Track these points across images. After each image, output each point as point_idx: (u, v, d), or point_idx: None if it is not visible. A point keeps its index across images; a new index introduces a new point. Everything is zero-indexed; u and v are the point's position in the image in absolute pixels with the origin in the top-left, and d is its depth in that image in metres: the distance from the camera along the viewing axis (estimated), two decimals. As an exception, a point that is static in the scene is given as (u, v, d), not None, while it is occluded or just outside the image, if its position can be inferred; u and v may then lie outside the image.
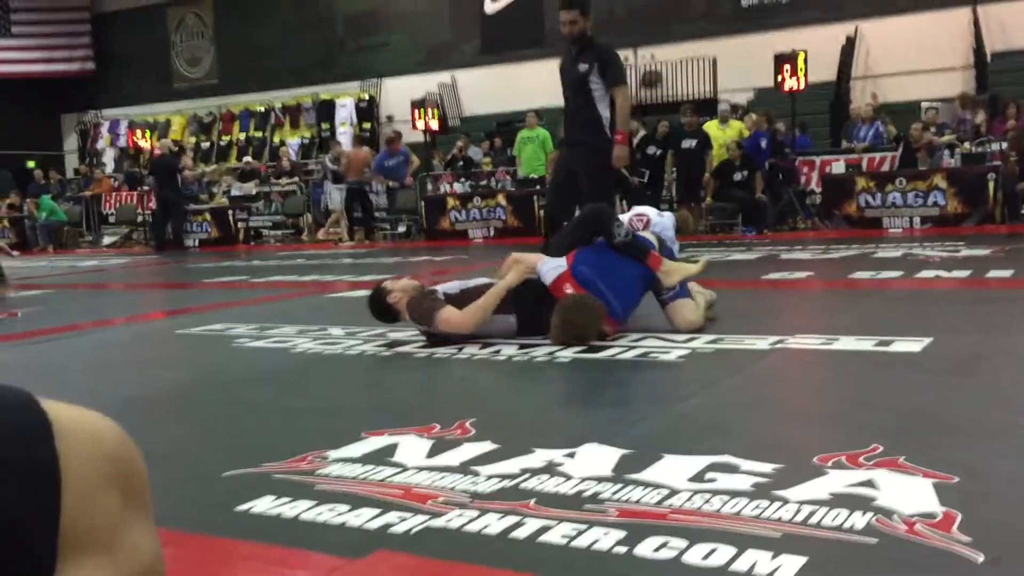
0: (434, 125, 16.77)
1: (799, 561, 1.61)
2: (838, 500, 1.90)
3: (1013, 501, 1.88)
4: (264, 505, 2.07)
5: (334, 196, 14.38)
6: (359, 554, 1.76)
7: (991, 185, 10.43)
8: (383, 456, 2.40)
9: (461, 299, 4.09)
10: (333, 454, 2.44)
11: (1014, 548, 1.64)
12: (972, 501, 1.85)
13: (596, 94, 5.66)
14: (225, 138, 22.78)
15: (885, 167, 12.01)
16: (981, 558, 1.59)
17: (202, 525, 1.98)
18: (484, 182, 14.93)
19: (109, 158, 23.91)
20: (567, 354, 3.76)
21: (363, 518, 1.94)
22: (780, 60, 12.62)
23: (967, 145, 11.94)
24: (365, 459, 2.38)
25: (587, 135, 5.68)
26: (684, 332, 4.03)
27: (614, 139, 5.72)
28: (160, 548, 0.65)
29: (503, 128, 17.31)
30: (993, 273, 5.96)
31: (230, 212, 15.52)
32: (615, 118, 5.72)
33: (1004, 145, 11.26)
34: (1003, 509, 1.83)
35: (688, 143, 11.88)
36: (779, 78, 12.60)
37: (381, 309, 4.25)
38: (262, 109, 22.57)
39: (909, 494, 1.91)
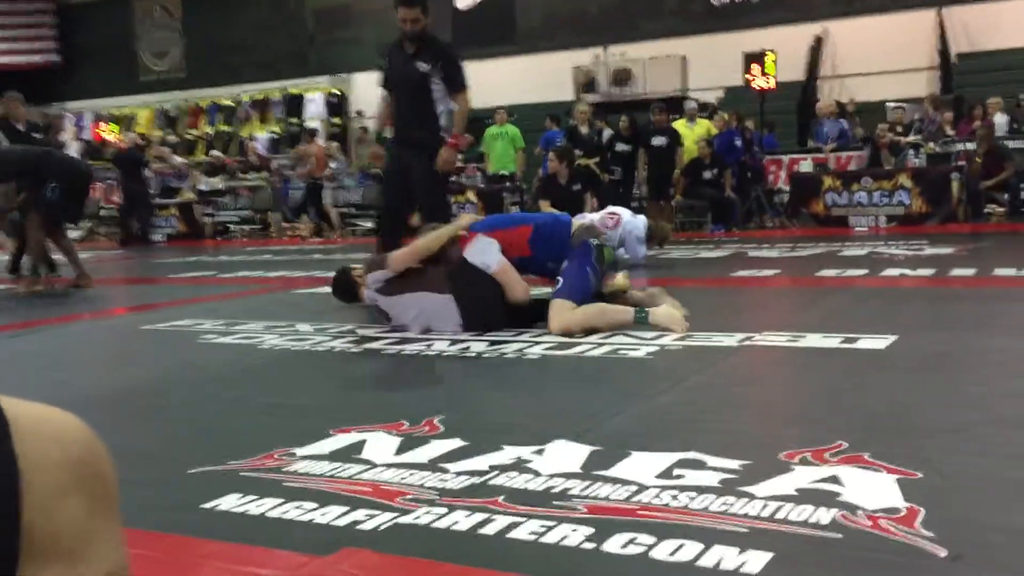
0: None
1: (765, 556, 1.62)
2: (804, 496, 1.91)
3: (975, 498, 1.91)
4: (230, 503, 2.05)
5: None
6: (326, 552, 1.75)
7: (955, 185, 10.58)
8: (351, 453, 2.39)
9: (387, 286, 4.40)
10: (300, 451, 2.42)
11: (975, 544, 1.67)
12: (935, 497, 1.88)
13: (436, 95, 5.46)
14: (192, 132, 22.56)
15: (852, 166, 12.13)
16: (943, 553, 1.61)
17: (167, 524, 1.96)
18: (454, 178, 14.89)
19: (74, 151, 23.57)
20: (537, 351, 3.77)
21: (330, 515, 1.93)
22: (750, 59, 12.71)
23: (932, 145, 12.10)
24: (333, 456, 2.37)
25: (425, 136, 5.47)
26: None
27: (446, 141, 5.57)
28: (126, 558, 0.62)
29: (473, 124, 17.28)
30: (956, 271, 6.05)
31: (197, 207, 15.37)
32: (452, 121, 5.59)
33: (968, 145, 11.42)
34: (965, 505, 1.86)
35: (658, 141, 11.92)
36: (748, 77, 12.70)
37: (345, 286, 4.64)
38: (230, 103, 22.37)
39: (873, 490, 1.93)
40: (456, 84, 5.50)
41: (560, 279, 4.16)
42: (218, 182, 16.53)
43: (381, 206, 5.79)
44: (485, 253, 4.20)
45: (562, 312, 4.05)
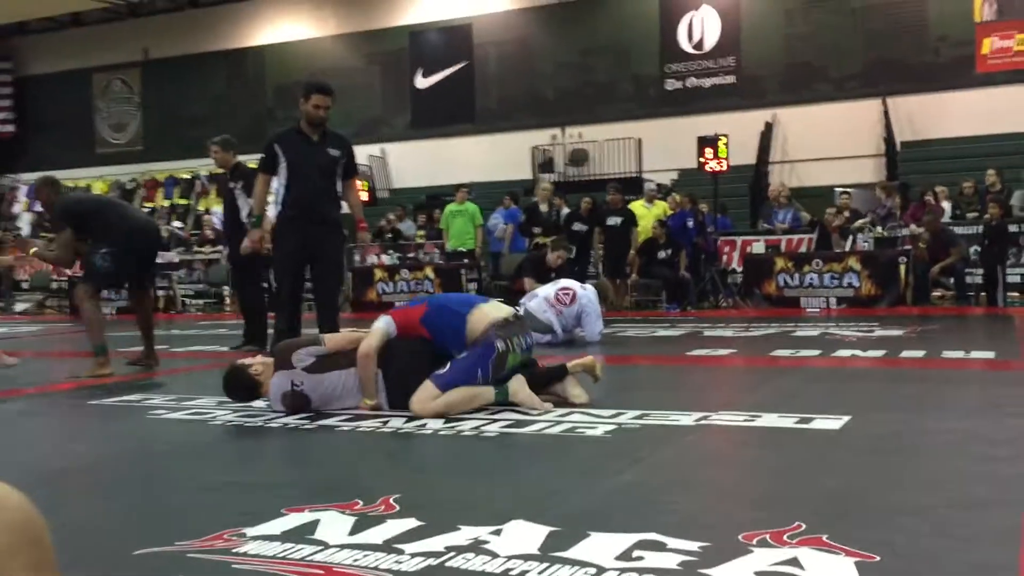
0: (363, 196, 16.77)
1: (726, 641, 1.59)
2: (764, 578, 1.90)
3: (933, 579, 1.90)
4: (177, 585, 1.98)
5: None
6: (276, 637, 1.69)
7: (902, 268, 10.84)
8: (303, 533, 2.33)
9: (318, 363, 4.24)
10: (251, 531, 2.36)
11: (935, 627, 1.66)
12: (894, 579, 1.87)
13: (338, 180, 6.02)
14: (148, 205, 22.43)
15: (802, 249, 12.39)
16: (904, 637, 1.60)
17: (109, 607, 1.88)
18: (412, 255, 14.95)
19: (25, 222, 23.29)
20: (493, 428, 3.73)
21: (281, 599, 1.87)
22: (703, 143, 13.03)
23: (880, 229, 12.42)
24: (285, 536, 2.31)
25: (337, 216, 6.06)
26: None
27: (359, 226, 6.36)
28: None
29: (433, 201, 17.44)
30: (906, 353, 6.15)
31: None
32: (350, 204, 6.28)
33: (915, 230, 11.74)
34: (923, 587, 1.85)
35: (613, 220, 12.11)
36: (702, 160, 13.00)
37: (247, 382, 4.35)
38: (187, 176, 22.33)
39: (833, 573, 1.92)
40: (353, 171, 6.17)
41: (449, 363, 4.11)
42: (173, 255, 16.39)
43: (286, 283, 6.01)
44: (378, 322, 4.31)
45: (424, 398, 4.04)
